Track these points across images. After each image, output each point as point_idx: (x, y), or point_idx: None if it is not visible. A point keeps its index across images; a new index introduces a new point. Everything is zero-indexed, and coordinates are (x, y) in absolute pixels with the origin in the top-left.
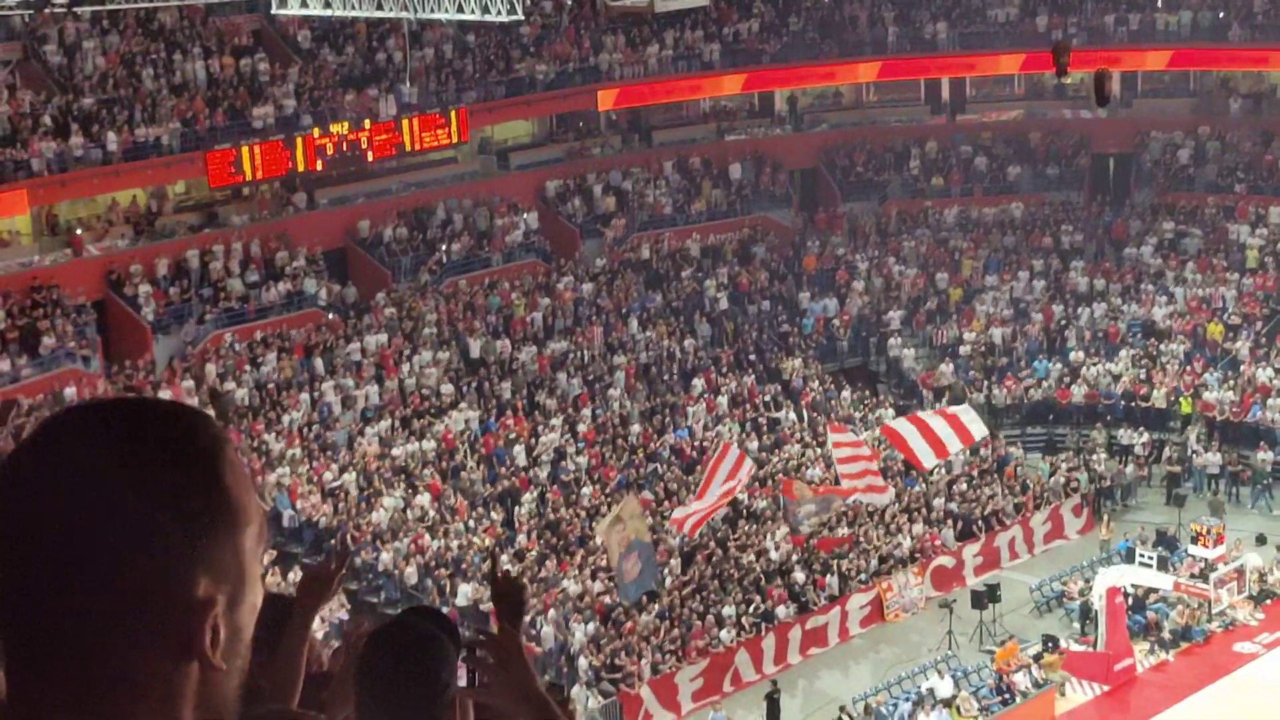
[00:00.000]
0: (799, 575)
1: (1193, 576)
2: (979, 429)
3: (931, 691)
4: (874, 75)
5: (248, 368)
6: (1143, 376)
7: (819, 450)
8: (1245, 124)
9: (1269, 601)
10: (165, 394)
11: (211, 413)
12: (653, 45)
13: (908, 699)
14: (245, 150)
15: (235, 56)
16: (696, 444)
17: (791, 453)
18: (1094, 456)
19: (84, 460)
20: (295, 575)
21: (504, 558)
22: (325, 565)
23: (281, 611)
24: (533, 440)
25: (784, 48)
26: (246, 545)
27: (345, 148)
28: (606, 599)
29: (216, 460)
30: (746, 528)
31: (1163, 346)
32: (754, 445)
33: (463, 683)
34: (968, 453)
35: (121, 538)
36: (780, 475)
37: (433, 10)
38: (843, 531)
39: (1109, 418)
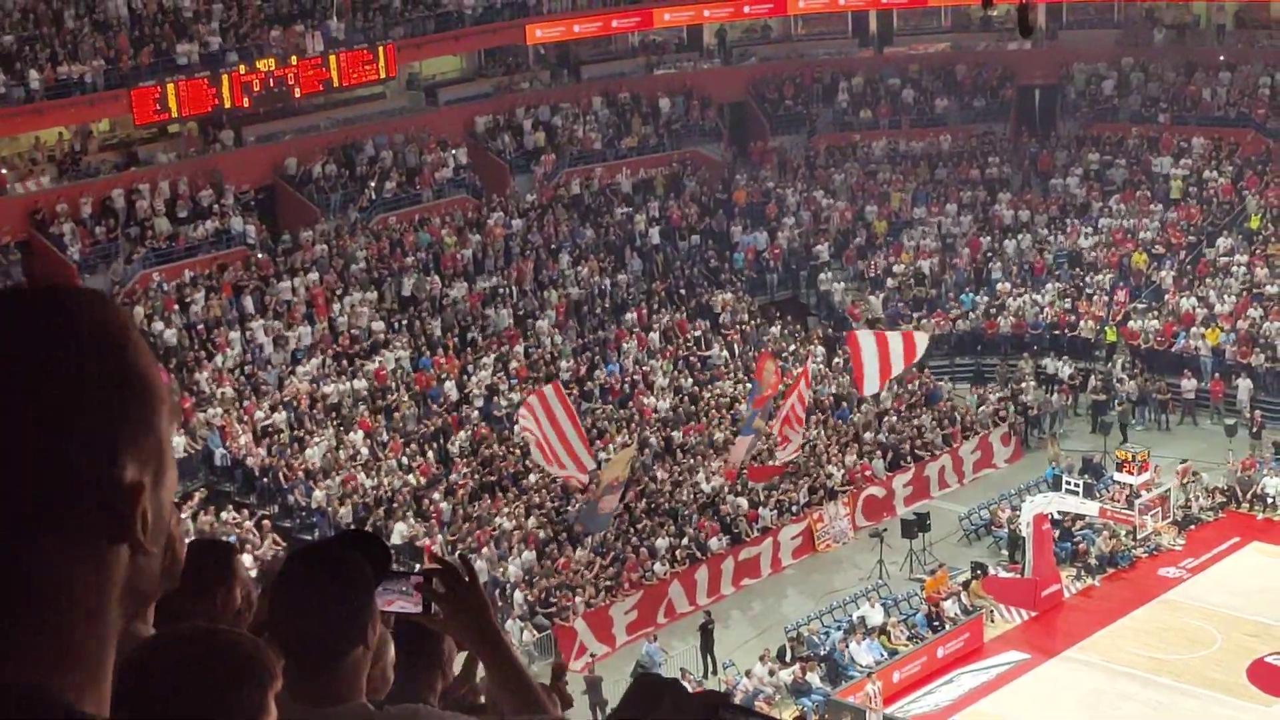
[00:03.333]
0: (737, 501)
1: (1113, 501)
2: (924, 345)
3: (863, 620)
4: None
5: (176, 307)
6: (1068, 307)
7: (750, 386)
8: (1169, 55)
9: (1192, 527)
10: None
11: None
12: None
13: (839, 628)
14: (170, 87)
15: None
16: (628, 379)
17: (724, 389)
18: (1021, 386)
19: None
20: (229, 514)
21: (438, 495)
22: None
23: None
24: (464, 377)
25: None
26: (163, 426)
27: (272, 84)
28: (541, 533)
29: (129, 342)
30: (680, 462)
31: (1088, 277)
32: (687, 381)
33: (414, 609)
34: (896, 385)
35: (47, 428)
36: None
37: None
38: (774, 461)
39: (1035, 348)
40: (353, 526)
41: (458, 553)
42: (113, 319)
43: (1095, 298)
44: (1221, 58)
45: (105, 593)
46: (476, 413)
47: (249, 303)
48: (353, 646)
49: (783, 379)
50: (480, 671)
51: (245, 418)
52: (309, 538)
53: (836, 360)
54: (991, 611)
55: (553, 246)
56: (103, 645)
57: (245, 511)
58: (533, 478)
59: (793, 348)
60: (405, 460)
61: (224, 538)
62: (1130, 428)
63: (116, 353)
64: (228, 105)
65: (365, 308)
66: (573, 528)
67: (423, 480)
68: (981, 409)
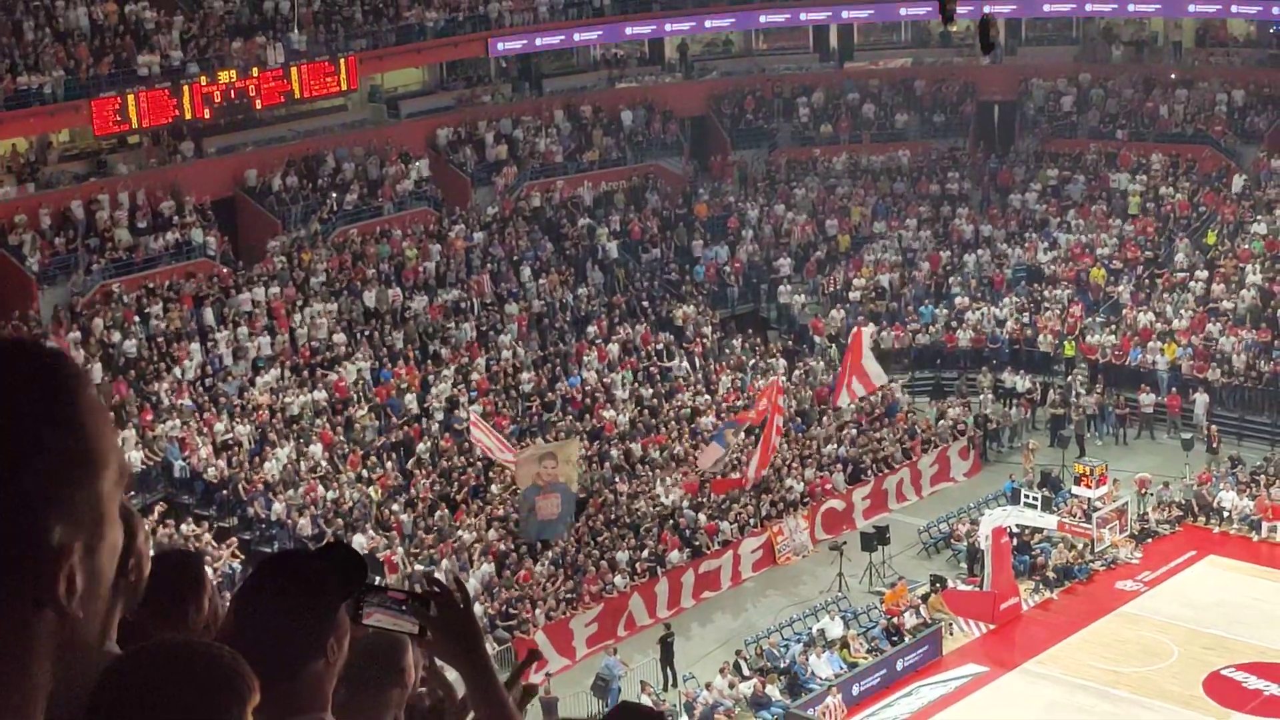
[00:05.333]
0: (695, 516)
1: (1071, 515)
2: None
3: (822, 632)
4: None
5: (136, 319)
6: (1027, 321)
7: (711, 398)
8: (1127, 71)
9: (1149, 540)
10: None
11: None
12: None
13: (799, 640)
14: (131, 98)
15: (119, 3)
16: (589, 392)
17: (684, 400)
18: (979, 399)
19: None
20: (189, 528)
21: (398, 506)
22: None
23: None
24: (425, 390)
25: None
26: (104, 489)
27: (233, 96)
28: (501, 545)
29: (73, 401)
30: (639, 475)
31: (1046, 291)
32: (647, 392)
33: (408, 629)
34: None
35: None
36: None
37: None
38: (736, 475)
39: (994, 362)
40: (311, 539)
41: (452, 575)
42: (59, 374)
43: (1053, 312)
44: (1175, 75)
45: (30, 657)
46: (437, 425)
47: (209, 314)
48: (309, 659)
49: (765, 410)
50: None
51: (205, 430)
52: (268, 550)
53: (797, 373)
54: (950, 624)
55: (514, 259)
56: (24, 709)
57: (205, 524)
58: (494, 489)
59: (751, 361)
60: (365, 473)
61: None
62: (1088, 442)
63: (56, 410)
64: (188, 116)
65: (325, 320)
66: (532, 544)
67: (382, 493)
68: (940, 422)
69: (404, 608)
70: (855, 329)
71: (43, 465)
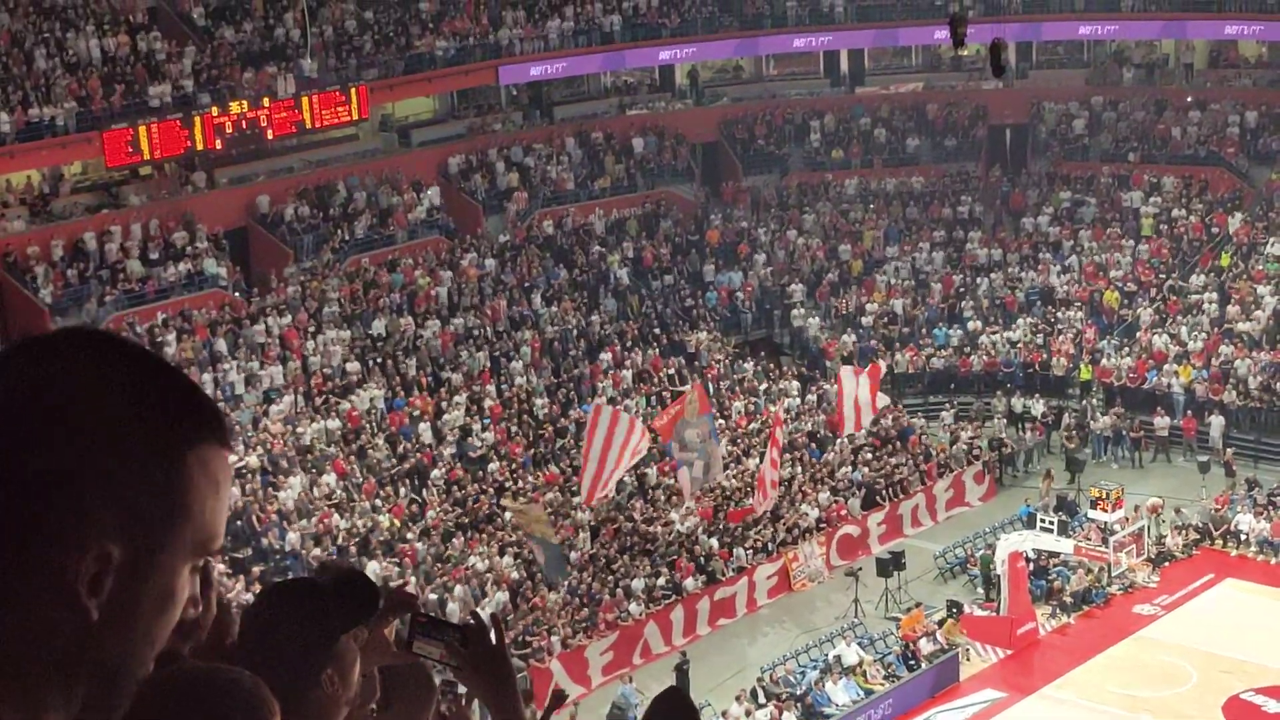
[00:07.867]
0: (710, 542)
1: (1088, 539)
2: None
3: (838, 659)
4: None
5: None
6: (1040, 344)
7: (724, 423)
8: (1138, 93)
9: (1167, 564)
10: None
11: None
12: (553, 19)
13: (815, 667)
14: (143, 129)
15: (130, 34)
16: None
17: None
18: (992, 423)
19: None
20: None
21: (411, 535)
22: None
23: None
24: (438, 418)
25: (685, 23)
26: (176, 537)
27: (244, 126)
28: (514, 574)
29: (179, 457)
30: (654, 500)
31: (1060, 314)
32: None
33: (446, 661)
34: (871, 424)
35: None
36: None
37: None
38: (749, 502)
39: (1008, 385)
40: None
41: (491, 612)
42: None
43: (1066, 335)
44: (1189, 98)
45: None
46: (450, 453)
47: (222, 344)
48: (303, 689)
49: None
50: None
51: None
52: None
53: (810, 397)
54: (967, 650)
55: (526, 286)
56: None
57: (220, 554)
58: (507, 516)
59: (765, 385)
60: (379, 502)
61: None
62: (1104, 465)
63: (161, 453)
64: (200, 147)
65: (338, 347)
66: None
67: (396, 521)
68: (955, 446)
69: (444, 639)
70: (872, 364)
71: (119, 471)
